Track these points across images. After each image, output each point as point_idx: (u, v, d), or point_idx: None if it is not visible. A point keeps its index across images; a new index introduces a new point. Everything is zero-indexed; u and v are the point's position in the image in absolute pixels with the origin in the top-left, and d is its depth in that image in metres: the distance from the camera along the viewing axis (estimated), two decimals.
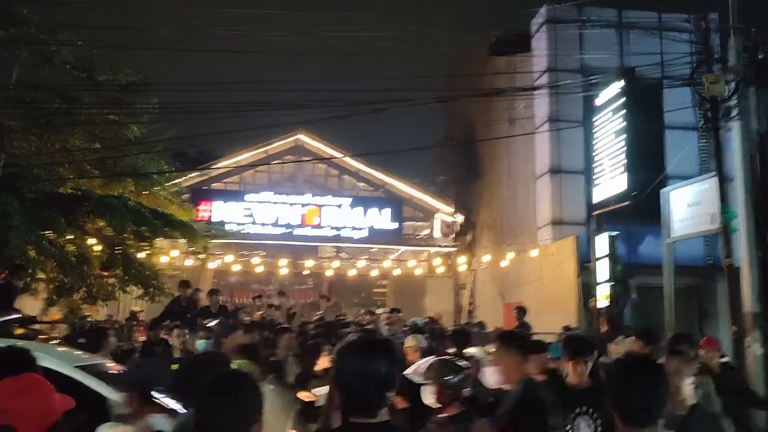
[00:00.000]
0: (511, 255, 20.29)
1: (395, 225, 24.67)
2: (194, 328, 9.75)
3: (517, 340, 4.75)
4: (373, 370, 2.51)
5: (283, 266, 23.27)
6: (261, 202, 23.99)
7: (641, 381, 2.67)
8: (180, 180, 22.36)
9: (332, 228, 24.26)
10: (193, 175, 23.84)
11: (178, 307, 12.14)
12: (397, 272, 25.00)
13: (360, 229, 24.34)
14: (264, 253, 24.14)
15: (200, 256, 21.40)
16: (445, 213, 25.93)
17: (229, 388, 2.49)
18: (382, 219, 24.52)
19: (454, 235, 25.34)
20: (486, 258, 22.37)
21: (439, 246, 25.48)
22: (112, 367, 5.51)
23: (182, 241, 17.47)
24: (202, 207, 23.08)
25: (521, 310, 13.94)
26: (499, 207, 22.83)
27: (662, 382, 2.72)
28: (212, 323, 10.01)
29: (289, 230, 24.01)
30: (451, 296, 24.78)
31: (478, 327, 13.66)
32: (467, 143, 23.87)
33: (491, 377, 4.84)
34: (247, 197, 24.09)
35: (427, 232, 26.56)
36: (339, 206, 24.46)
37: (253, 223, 23.69)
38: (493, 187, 23.18)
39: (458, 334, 8.49)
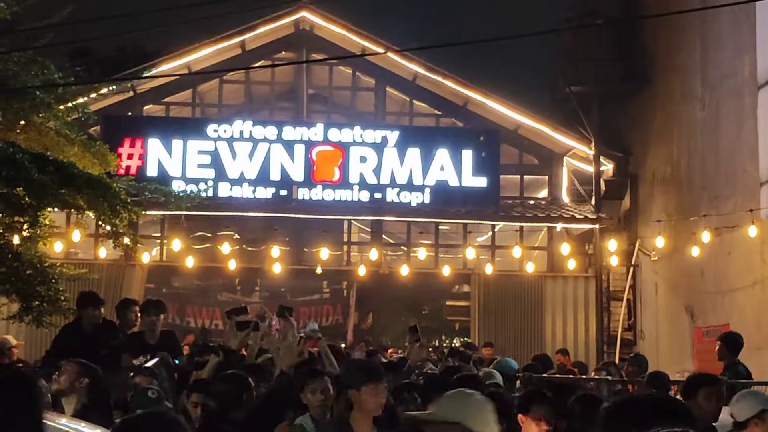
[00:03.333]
0: (707, 236, 16.96)
1: (484, 180, 19.23)
2: (117, 369, 7.81)
3: None
4: None
5: (276, 259, 18.11)
6: (233, 140, 18.64)
7: None
8: (85, 100, 16.72)
9: (365, 187, 18.72)
10: (109, 89, 17.90)
11: (78, 337, 9.27)
12: (488, 269, 19.22)
13: (419, 188, 18.91)
14: (239, 237, 19.52)
15: (125, 241, 16.15)
16: (579, 157, 20.76)
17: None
18: (462, 169, 19.20)
19: (596, 199, 20.13)
20: (659, 242, 18.40)
21: (571, 219, 19.92)
22: None
23: (92, 214, 13.54)
24: (126, 149, 18.31)
25: (731, 341, 10.10)
26: (684, 144, 19.22)
27: None
28: (151, 363, 7.65)
29: (286, 192, 18.67)
30: (593, 312, 19.43)
31: (634, 367, 10.87)
32: (623, 23, 20.12)
33: None
34: (208, 131, 18.69)
35: (545, 193, 21.26)
36: (379, 145, 18.84)
37: (219, 179, 18.61)
38: (673, 107, 19.44)
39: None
